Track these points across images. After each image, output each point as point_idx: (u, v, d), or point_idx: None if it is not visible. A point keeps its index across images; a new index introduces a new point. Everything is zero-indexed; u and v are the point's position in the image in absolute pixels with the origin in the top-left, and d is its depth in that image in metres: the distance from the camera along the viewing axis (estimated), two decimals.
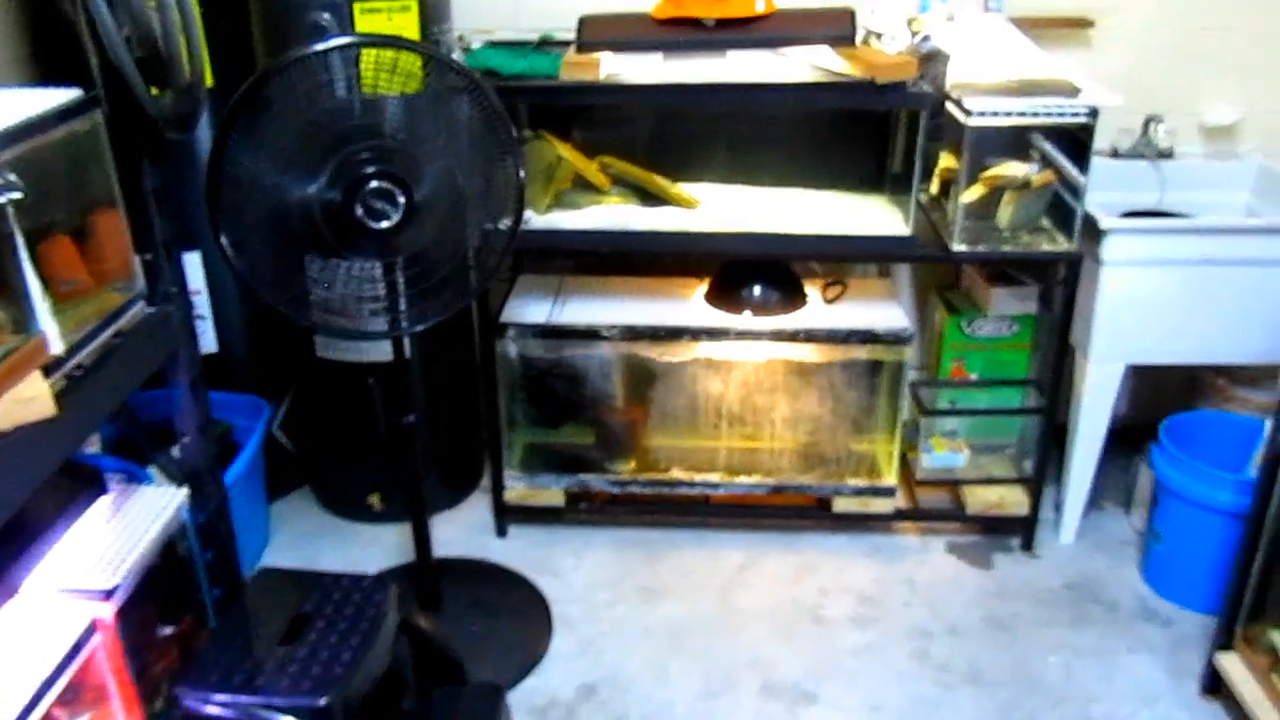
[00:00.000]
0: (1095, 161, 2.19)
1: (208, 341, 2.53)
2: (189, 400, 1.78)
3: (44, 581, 1.52)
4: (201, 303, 2.49)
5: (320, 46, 1.71)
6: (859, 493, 2.53)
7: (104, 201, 1.59)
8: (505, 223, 2.00)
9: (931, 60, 2.21)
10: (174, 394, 1.80)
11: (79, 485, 1.77)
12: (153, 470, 2.05)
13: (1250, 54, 2.63)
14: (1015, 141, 2.26)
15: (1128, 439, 2.64)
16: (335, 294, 2.03)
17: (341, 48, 1.73)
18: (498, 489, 2.56)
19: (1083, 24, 2.59)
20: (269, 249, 1.86)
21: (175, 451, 1.87)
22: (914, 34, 2.41)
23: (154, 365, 1.65)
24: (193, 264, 2.45)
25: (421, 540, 2.20)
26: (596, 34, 2.24)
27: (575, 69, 2.18)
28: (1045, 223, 2.34)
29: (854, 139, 2.51)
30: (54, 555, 1.58)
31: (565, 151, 2.34)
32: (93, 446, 2.03)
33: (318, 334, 2.47)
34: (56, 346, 1.40)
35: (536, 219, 2.30)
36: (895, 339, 2.38)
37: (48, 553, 1.58)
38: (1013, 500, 2.56)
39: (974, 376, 2.61)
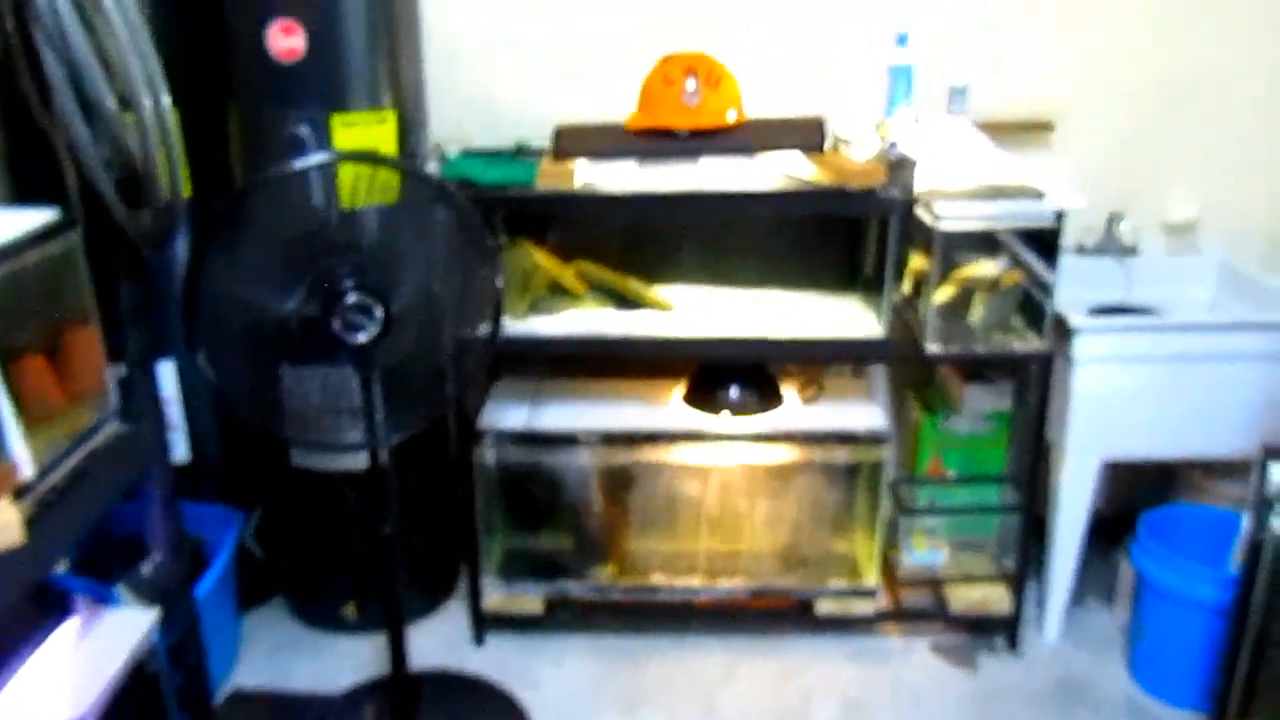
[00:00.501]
0: (1062, 259, 2.23)
1: (180, 451, 2.49)
2: (160, 519, 1.75)
3: (7, 712, 1.47)
4: (174, 412, 2.46)
5: (299, 164, 1.73)
6: (841, 594, 2.50)
7: (78, 319, 1.59)
8: (483, 330, 2.01)
9: (900, 166, 2.25)
10: (144, 509, 1.77)
11: (44, 608, 1.72)
12: (120, 590, 2.00)
13: (1205, 154, 2.71)
14: (984, 240, 2.31)
15: (1108, 532, 2.64)
16: (311, 405, 2.03)
17: (320, 165, 1.75)
18: (475, 597, 2.52)
19: (1043, 126, 2.67)
20: (245, 361, 1.85)
21: (145, 569, 1.83)
22: (881, 138, 2.47)
23: (126, 485, 1.63)
24: (166, 373, 2.43)
25: (398, 654, 2.14)
26: (572, 144, 2.28)
27: (551, 178, 2.22)
28: (1016, 321, 2.37)
29: (826, 241, 2.55)
30: (17, 683, 1.53)
31: (541, 258, 2.36)
32: (59, 565, 1.99)
33: (293, 447, 2.44)
34: (27, 471, 1.38)
35: (513, 325, 2.31)
36: (873, 439, 2.38)
37: (10, 680, 1.53)
38: (995, 598, 2.54)
39: (952, 473, 2.62)
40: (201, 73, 2.25)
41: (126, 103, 1.56)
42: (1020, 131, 2.65)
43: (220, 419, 2.54)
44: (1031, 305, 2.32)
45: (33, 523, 1.34)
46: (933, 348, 2.27)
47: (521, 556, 2.59)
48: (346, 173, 1.86)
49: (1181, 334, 2.31)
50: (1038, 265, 2.27)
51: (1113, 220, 2.67)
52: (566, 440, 2.39)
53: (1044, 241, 2.24)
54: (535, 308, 2.39)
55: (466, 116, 2.65)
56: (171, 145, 1.56)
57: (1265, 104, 2.68)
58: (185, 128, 2.08)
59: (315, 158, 1.75)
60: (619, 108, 2.39)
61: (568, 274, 2.39)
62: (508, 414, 2.44)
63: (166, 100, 1.55)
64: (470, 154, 2.53)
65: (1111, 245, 2.69)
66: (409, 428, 1.93)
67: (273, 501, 2.65)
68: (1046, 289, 2.25)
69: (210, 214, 1.72)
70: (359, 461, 2.33)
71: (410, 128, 2.36)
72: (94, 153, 1.46)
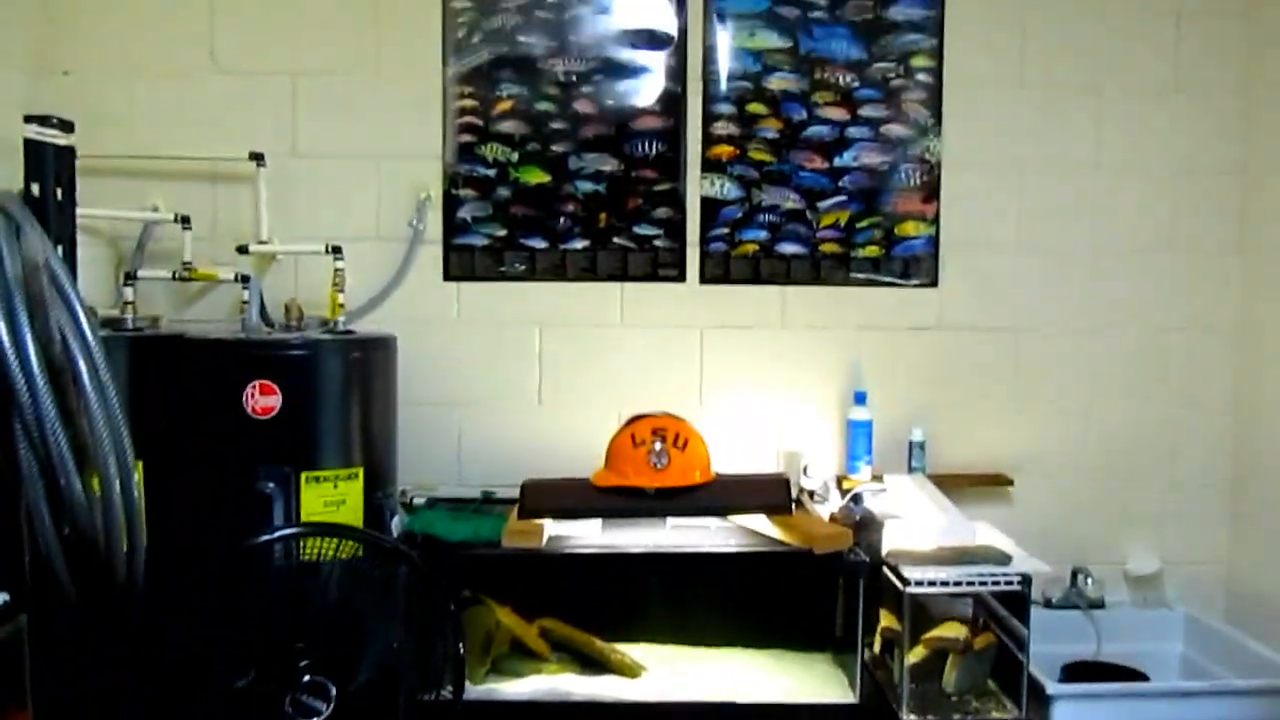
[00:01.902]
0: (1031, 615, 2.21)
1: None
2: None
3: None
4: None
5: (264, 538, 1.71)
6: None
7: (13, 706, 1.50)
8: (443, 695, 1.93)
9: (866, 527, 2.27)
10: None
11: None
12: None
13: (1161, 506, 2.78)
14: (954, 598, 2.29)
15: None
16: None
17: (282, 538, 1.73)
18: None
19: (1001, 481, 2.72)
20: None
21: None
22: (844, 492, 2.51)
23: None
24: None
25: None
26: (538, 501, 2.28)
27: (518, 536, 2.21)
28: (992, 684, 2.31)
29: (795, 598, 2.51)
30: None
31: (504, 616, 2.30)
32: None
33: None
34: None
35: (472, 689, 2.21)
36: None
37: None
38: None
39: None
40: (171, 428, 2.26)
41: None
42: (979, 485, 2.71)
43: None
44: (1006, 664, 2.28)
45: None
46: (909, 717, 2.20)
47: None
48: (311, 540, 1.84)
49: (1158, 700, 2.26)
50: (1011, 622, 2.25)
51: (1077, 574, 2.69)
52: None
53: (1013, 600, 2.23)
54: (497, 668, 2.30)
55: (435, 464, 2.68)
56: (136, 529, 1.54)
57: (1212, 459, 2.78)
58: (149, 483, 2.07)
59: (281, 531, 1.73)
60: (586, 461, 2.42)
61: (531, 634, 2.32)
62: None
63: (135, 481, 1.54)
64: (437, 502, 2.54)
65: (1079, 599, 2.69)
66: None
67: None
68: (1021, 644, 2.21)
69: (165, 586, 1.69)
70: None
71: (378, 480, 2.35)
72: (55, 541, 1.43)
